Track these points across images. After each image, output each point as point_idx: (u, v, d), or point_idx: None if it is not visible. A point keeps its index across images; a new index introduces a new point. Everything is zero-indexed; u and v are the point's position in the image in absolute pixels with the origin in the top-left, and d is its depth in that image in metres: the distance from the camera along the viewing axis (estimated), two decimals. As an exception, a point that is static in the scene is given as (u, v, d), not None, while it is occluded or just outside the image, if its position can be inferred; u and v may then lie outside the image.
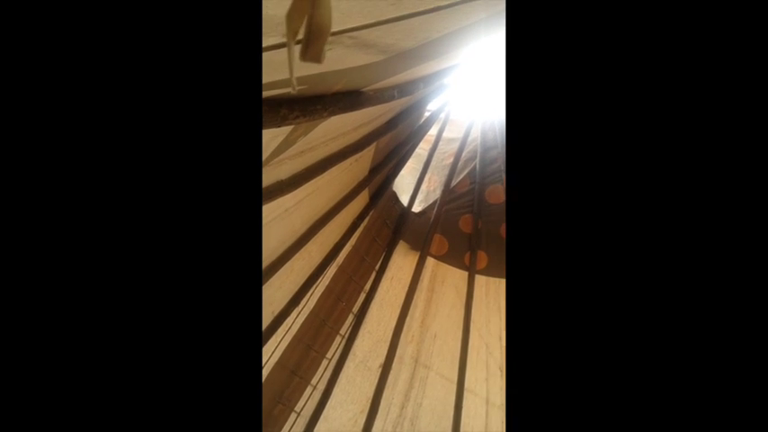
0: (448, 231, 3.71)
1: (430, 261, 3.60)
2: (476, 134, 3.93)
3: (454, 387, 3.32)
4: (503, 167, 3.82)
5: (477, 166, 3.84)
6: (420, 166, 3.75)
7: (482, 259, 3.69)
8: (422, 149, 3.75)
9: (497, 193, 3.83)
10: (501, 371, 3.42)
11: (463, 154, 3.86)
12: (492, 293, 3.64)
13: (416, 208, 3.71)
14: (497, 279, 3.66)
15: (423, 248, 3.53)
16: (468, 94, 3.97)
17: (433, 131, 3.76)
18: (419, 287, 3.50)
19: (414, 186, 3.62)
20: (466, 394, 3.32)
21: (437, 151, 3.91)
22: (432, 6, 1.24)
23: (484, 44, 2.35)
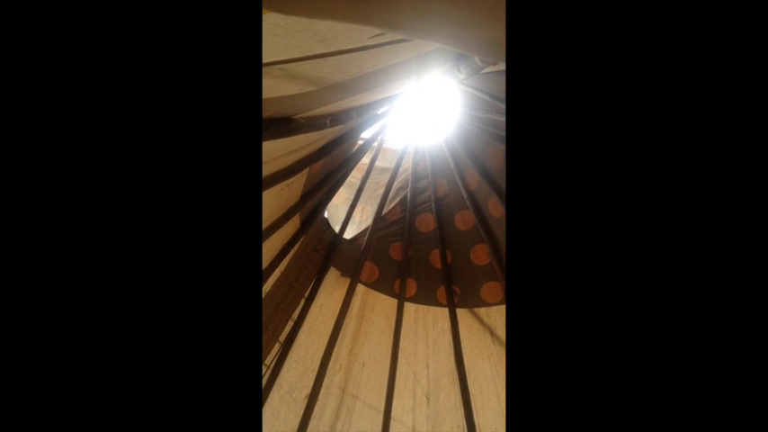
0: (378, 259, 3.74)
1: (360, 288, 3.60)
2: (408, 164, 4.04)
3: (381, 416, 3.30)
4: (433, 197, 3.95)
5: (409, 194, 3.93)
6: (353, 196, 3.78)
7: (411, 287, 3.75)
8: (355, 178, 3.79)
9: (427, 222, 3.93)
10: (427, 398, 3.44)
11: (395, 183, 3.94)
12: (420, 321, 3.69)
13: (348, 235, 3.72)
14: (425, 306, 3.72)
15: (353, 275, 3.53)
16: (401, 125, 4.09)
17: (366, 160, 3.82)
18: (348, 314, 3.48)
19: (346, 214, 3.64)
20: (392, 423, 3.30)
21: (370, 181, 3.97)
22: (360, 45, 1.29)
23: (417, 79, 2.45)
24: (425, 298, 3.75)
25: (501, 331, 3.62)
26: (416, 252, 3.85)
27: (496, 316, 3.66)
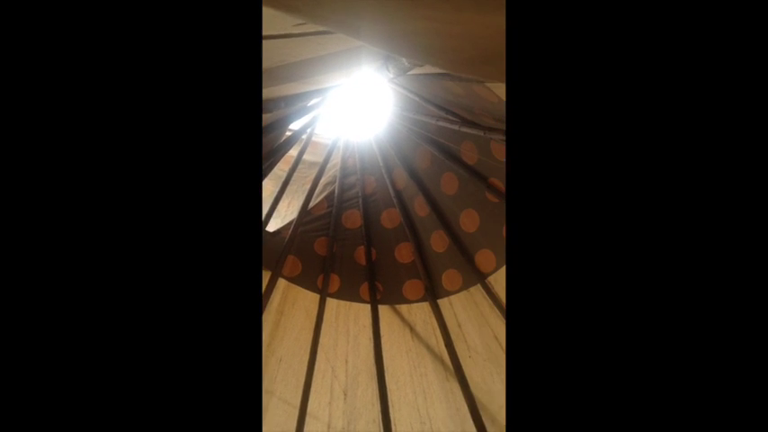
0: (302, 253, 3.69)
1: (281, 282, 3.53)
2: (337, 160, 4.02)
3: (296, 412, 3.26)
4: (360, 194, 3.96)
5: (336, 190, 3.91)
6: (278, 189, 3.70)
7: (334, 282, 3.73)
8: (281, 170, 3.71)
9: (354, 219, 3.94)
10: (345, 394, 3.45)
11: (323, 178, 3.91)
12: (342, 317, 3.69)
13: (271, 227, 3.64)
14: (348, 302, 3.72)
15: (275, 269, 3.45)
16: (332, 119, 4.06)
17: (294, 152, 3.75)
18: (268, 309, 3.40)
19: (270, 205, 3.55)
20: (308, 419, 3.27)
21: (298, 174, 3.90)
22: (283, 32, 1.26)
23: (347, 74, 2.44)
24: (348, 294, 3.75)
25: (420, 327, 3.70)
26: (341, 248, 3.84)
27: (417, 313, 3.75)
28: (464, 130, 3.22)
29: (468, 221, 3.61)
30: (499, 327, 3.43)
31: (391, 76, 2.27)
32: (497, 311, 3.42)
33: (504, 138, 3.07)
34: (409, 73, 2.50)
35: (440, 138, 3.59)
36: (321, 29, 1.27)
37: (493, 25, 0.86)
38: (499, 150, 3.32)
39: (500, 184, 3.45)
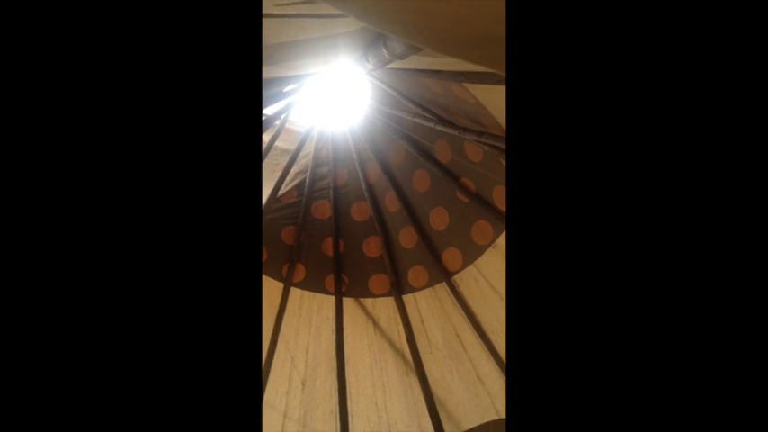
0: (269, 241, 3.64)
1: (246, 269, 3.47)
2: (310, 149, 3.97)
3: (253, 401, 3.22)
4: (332, 185, 3.93)
5: (308, 179, 3.87)
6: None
7: (300, 272, 3.70)
8: (253, 154, 3.64)
9: (324, 209, 3.91)
10: (303, 384, 3.43)
11: (294, 167, 3.86)
12: (305, 307, 3.67)
13: (239, 213, 3.57)
14: (312, 293, 3.70)
15: (240, 255, 3.39)
16: (308, 108, 4.00)
17: (266, 138, 3.68)
18: (230, 295, 3.34)
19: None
20: (264, 408, 3.24)
21: (269, 161, 3.83)
22: (264, 12, 1.23)
23: (325, 62, 2.41)
24: (313, 284, 3.73)
25: (384, 322, 3.72)
26: (309, 238, 3.81)
27: (381, 307, 3.76)
28: (439, 128, 3.24)
29: (438, 219, 3.64)
30: (461, 324, 3.48)
31: (371, 67, 2.26)
32: (461, 309, 3.47)
33: (478, 139, 3.10)
34: (388, 66, 2.49)
35: (415, 134, 3.60)
36: (302, 11, 1.24)
37: (481, 8, 0.85)
38: (472, 151, 3.36)
39: (471, 184, 3.49)
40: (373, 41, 1.98)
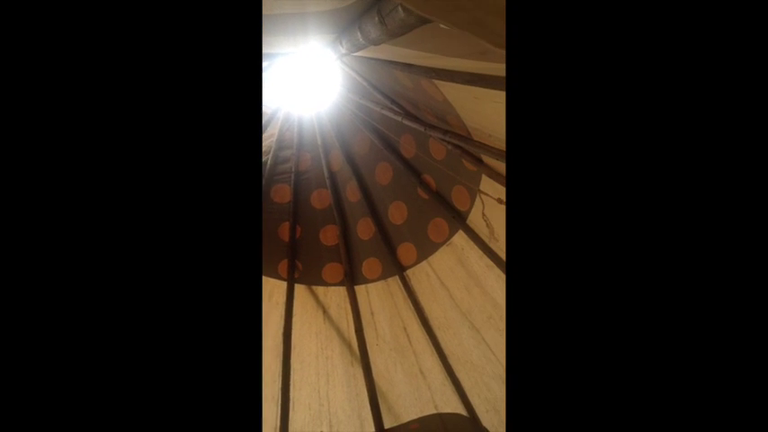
0: (223, 220, 3.56)
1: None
2: (274, 131, 3.91)
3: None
4: (293, 169, 3.88)
5: (269, 162, 3.81)
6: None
7: (253, 254, 3.64)
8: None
9: (283, 193, 3.86)
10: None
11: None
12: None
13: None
14: (265, 278, 3.64)
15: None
16: (276, 89, 3.93)
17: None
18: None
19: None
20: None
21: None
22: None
23: (295, 43, 2.37)
24: (266, 269, 3.67)
25: (334, 311, 3.71)
26: (266, 221, 3.75)
27: (332, 296, 3.75)
28: (406, 122, 3.26)
29: (397, 213, 3.66)
30: (410, 318, 3.52)
31: (344, 51, 2.24)
32: (410, 304, 3.51)
33: (443, 137, 3.14)
34: (361, 54, 2.48)
35: (381, 126, 3.60)
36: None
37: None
38: (436, 149, 3.40)
39: (432, 181, 3.53)
40: (348, 25, 1.97)
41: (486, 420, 3.16)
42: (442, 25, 0.84)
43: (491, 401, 3.18)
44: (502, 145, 2.92)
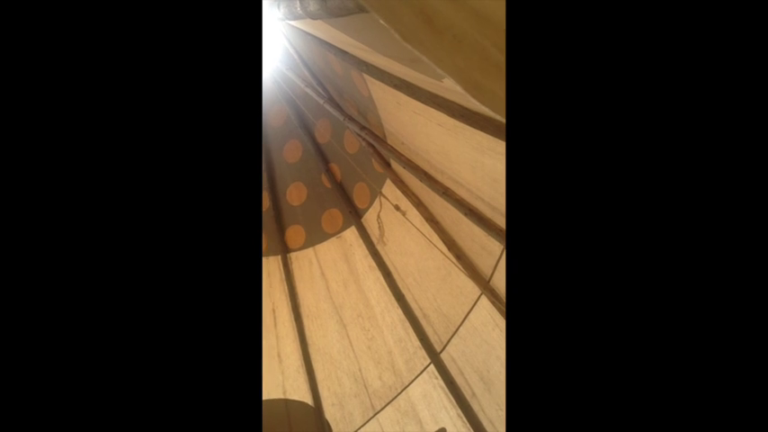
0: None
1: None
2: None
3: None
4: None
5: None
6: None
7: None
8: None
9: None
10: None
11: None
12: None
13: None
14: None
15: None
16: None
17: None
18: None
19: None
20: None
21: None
22: None
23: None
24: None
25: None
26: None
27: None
28: (327, 107, 3.22)
29: (295, 194, 3.60)
30: (281, 301, 3.47)
31: (280, 16, 2.16)
32: (285, 287, 3.46)
33: (359, 132, 3.16)
34: (298, 25, 2.41)
35: (302, 104, 3.52)
36: None
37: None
38: (350, 141, 3.41)
39: (339, 172, 3.53)
40: (290, -10, 1.90)
41: (329, 413, 3.22)
42: (381, 21, 0.84)
43: (339, 396, 3.25)
44: (412, 155, 3.01)
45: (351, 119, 3.14)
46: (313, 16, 1.80)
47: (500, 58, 0.67)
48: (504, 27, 0.66)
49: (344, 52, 2.60)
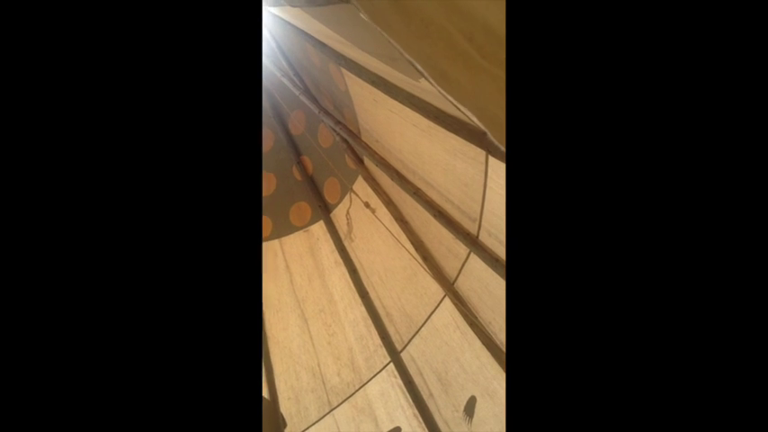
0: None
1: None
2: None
3: None
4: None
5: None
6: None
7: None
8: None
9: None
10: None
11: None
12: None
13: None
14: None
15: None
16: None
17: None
18: None
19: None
20: None
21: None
22: None
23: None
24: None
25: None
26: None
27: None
28: (302, 98, 3.19)
29: (264, 184, 3.54)
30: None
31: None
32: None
33: (334, 126, 3.14)
34: (276, 11, 2.38)
35: (276, 93, 3.48)
36: None
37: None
38: (324, 135, 3.38)
39: (310, 165, 3.49)
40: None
41: (284, 407, 3.18)
42: (361, 14, 0.83)
43: (296, 390, 3.21)
44: (386, 153, 3.01)
45: (326, 113, 3.12)
46: (292, 3, 1.77)
47: (466, 47, 0.67)
48: (471, 15, 0.66)
49: (323, 44, 2.58)
